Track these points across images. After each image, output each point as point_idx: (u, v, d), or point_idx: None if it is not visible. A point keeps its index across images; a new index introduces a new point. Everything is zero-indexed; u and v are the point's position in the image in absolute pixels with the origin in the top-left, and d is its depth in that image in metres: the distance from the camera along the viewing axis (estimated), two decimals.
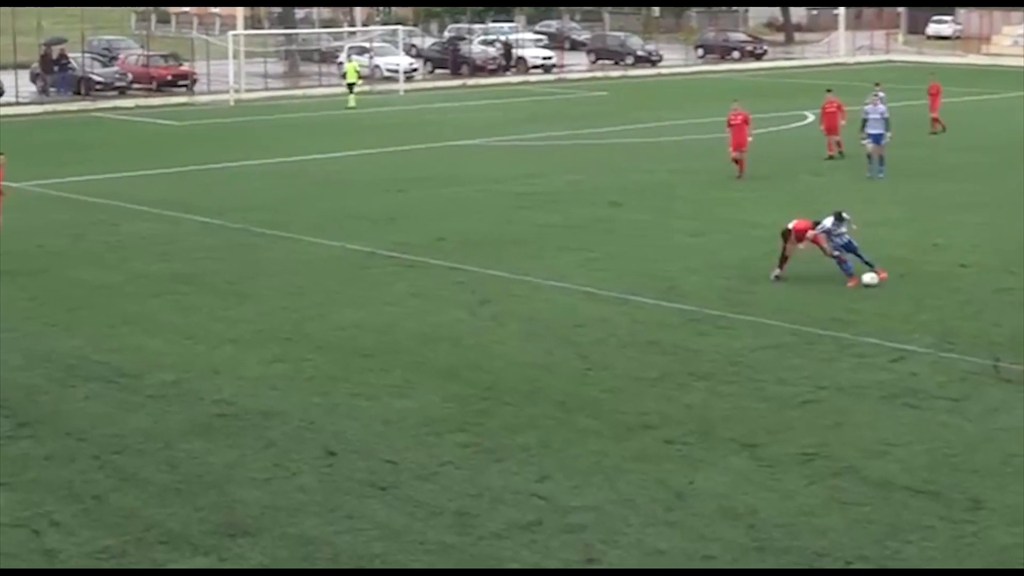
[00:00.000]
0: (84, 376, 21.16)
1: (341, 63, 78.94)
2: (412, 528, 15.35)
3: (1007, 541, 14.94)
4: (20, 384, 20.80)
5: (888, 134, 39.47)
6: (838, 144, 42.92)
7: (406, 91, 72.22)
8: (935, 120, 48.98)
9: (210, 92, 69.75)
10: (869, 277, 26.31)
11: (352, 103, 62.97)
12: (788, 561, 14.46)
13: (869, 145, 39.48)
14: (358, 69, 65.78)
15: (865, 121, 39.69)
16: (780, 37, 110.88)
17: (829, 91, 44.00)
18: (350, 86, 64.18)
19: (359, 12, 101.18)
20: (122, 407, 19.65)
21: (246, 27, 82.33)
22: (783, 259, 26.80)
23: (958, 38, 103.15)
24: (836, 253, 26.54)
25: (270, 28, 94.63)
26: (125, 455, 17.70)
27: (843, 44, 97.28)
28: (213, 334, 23.51)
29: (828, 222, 26.62)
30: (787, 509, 15.80)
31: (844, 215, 26.74)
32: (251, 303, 25.76)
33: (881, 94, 42.29)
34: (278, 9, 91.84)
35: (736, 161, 39.64)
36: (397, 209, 35.89)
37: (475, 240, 31.50)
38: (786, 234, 26.79)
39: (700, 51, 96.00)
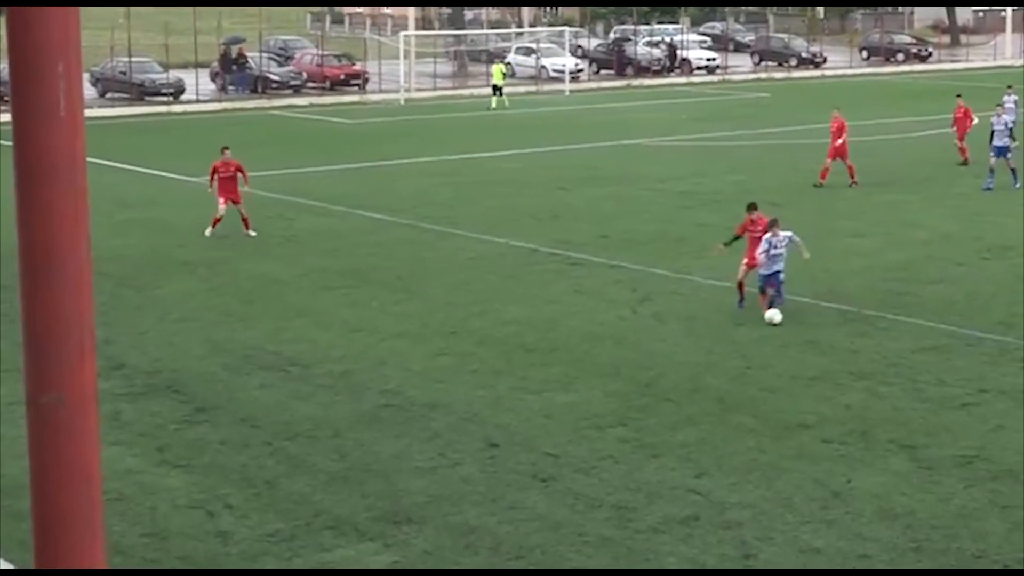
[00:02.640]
0: (258, 365, 21.79)
1: (509, 63, 79.68)
2: (571, 520, 15.53)
3: None
4: (198, 372, 21.53)
5: (1015, 143, 38.41)
6: (962, 151, 42.05)
7: (571, 91, 72.53)
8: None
9: (381, 91, 70.79)
10: (771, 314, 23.75)
11: (495, 104, 63.13)
12: (945, 563, 14.42)
13: (992, 159, 38.32)
14: (504, 71, 65.95)
15: (992, 133, 38.73)
16: (946, 39, 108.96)
17: (959, 96, 43.18)
18: (495, 88, 64.42)
19: (526, 13, 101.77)
20: (294, 396, 20.21)
21: (417, 28, 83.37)
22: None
23: None
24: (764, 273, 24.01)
25: (440, 29, 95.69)
26: (296, 442, 18.20)
27: (1010, 47, 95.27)
28: (381, 327, 24.01)
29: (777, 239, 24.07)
30: (945, 511, 15.73)
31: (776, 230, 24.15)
32: (418, 298, 26.25)
33: (1009, 102, 41.68)
34: (448, 10, 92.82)
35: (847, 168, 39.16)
36: (561, 207, 36.20)
37: (637, 238, 31.68)
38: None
39: (864, 53, 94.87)
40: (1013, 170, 38.31)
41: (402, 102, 67.26)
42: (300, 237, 32.39)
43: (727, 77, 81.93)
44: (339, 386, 20.69)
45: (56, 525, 4.50)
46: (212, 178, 32.24)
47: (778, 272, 23.95)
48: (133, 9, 71.36)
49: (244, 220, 31.73)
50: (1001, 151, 38.31)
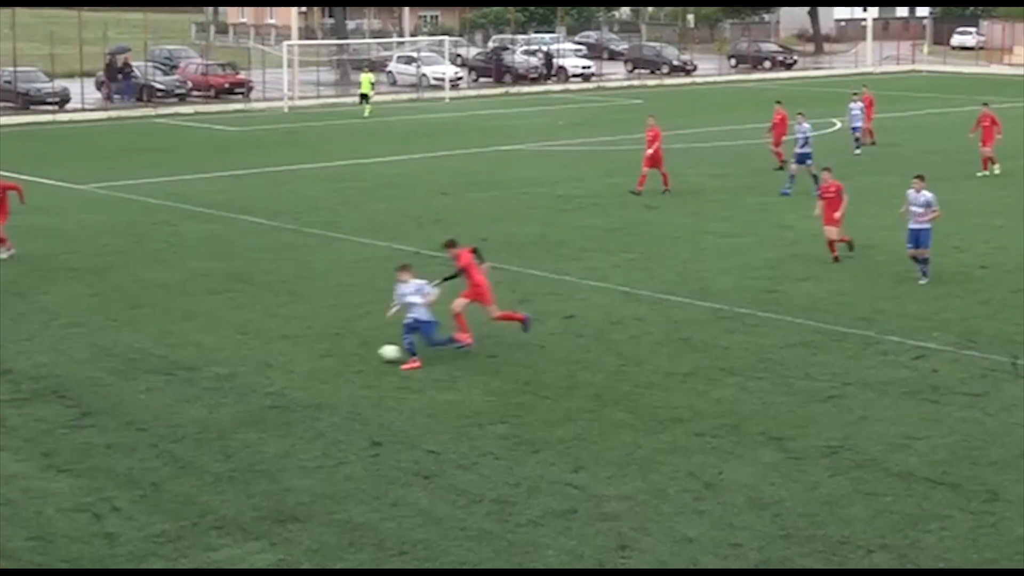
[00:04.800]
0: (144, 369, 21.88)
1: (390, 72, 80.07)
2: (453, 515, 15.80)
3: (1023, 531, 15.25)
4: (85, 376, 21.56)
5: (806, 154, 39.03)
6: (778, 155, 42.64)
7: (452, 98, 73.10)
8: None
9: (265, 99, 70.95)
10: (391, 350, 22.04)
11: (368, 113, 63.36)
12: (812, 549, 14.82)
13: (794, 166, 39.00)
14: (372, 81, 66.21)
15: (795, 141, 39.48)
16: (810, 48, 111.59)
17: (779, 102, 43.98)
18: (363, 97, 64.51)
19: (407, 23, 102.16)
20: (180, 399, 20.33)
21: (300, 37, 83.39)
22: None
23: (981, 49, 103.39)
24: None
25: (323, 38, 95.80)
26: (182, 444, 18.33)
27: (870, 55, 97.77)
28: (266, 330, 24.20)
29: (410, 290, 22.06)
30: (812, 499, 16.19)
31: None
32: (303, 301, 26.45)
33: (855, 109, 43.01)
34: (331, 20, 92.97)
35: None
36: (443, 211, 36.59)
37: (517, 241, 32.14)
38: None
39: (733, 61, 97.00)
40: (814, 176, 38.64)
41: (286, 110, 67.31)
42: (186, 242, 32.42)
43: (602, 84, 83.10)
44: (225, 388, 20.84)
45: None
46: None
47: (416, 319, 21.90)
48: (18, 19, 70.64)
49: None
50: (801, 158, 38.85)
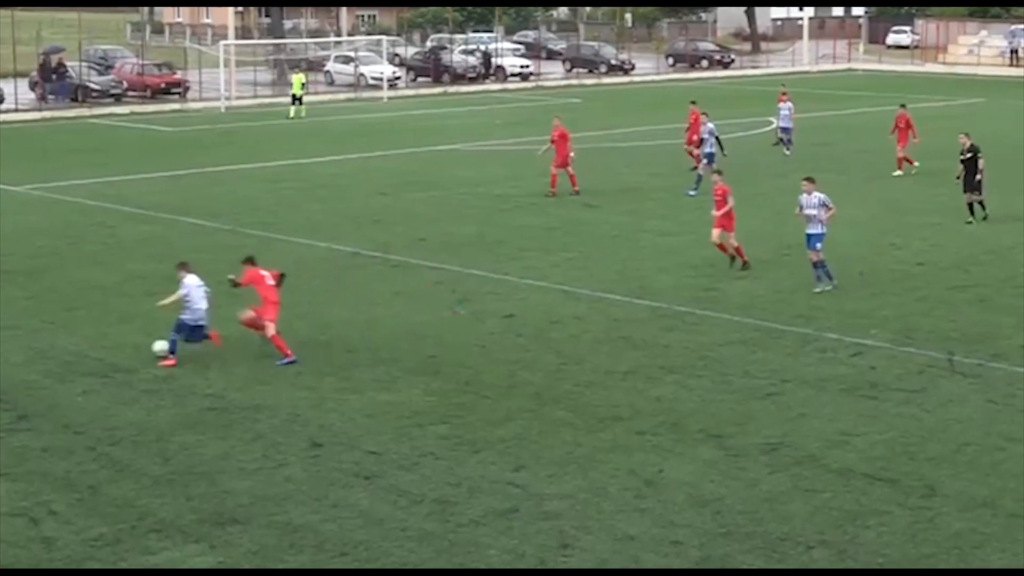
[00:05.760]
0: (81, 372, 21.74)
1: (328, 71, 79.80)
2: (394, 516, 15.79)
3: (960, 527, 15.44)
4: (19, 379, 21.39)
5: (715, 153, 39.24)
6: (693, 156, 42.42)
7: (390, 98, 73.01)
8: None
9: (202, 99, 70.62)
10: (160, 346, 22.32)
11: (292, 114, 62.95)
12: (752, 545, 14.93)
13: (703, 165, 39.02)
14: (303, 81, 65.95)
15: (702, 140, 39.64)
16: (747, 47, 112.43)
17: (693, 103, 43.89)
18: (295, 98, 64.18)
19: (344, 22, 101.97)
20: (117, 401, 20.22)
21: (237, 37, 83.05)
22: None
23: (916, 47, 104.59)
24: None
25: (260, 38, 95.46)
26: (120, 447, 18.23)
27: (807, 53, 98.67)
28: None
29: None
30: (752, 496, 16.30)
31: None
32: (242, 302, 26.31)
33: (784, 109, 43.35)
34: (268, 19, 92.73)
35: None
36: (381, 211, 36.54)
37: (456, 241, 32.16)
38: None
39: (671, 60, 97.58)
40: (699, 176, 38.77)
41: (223, 110, 66.98)
42: (123, 244, 32.21)
43: (540, 83, 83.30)
44: (163, 390, 20.74)
45: None
46: None
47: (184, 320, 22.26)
48: None
49: None
50: (710, 158, 39.01)
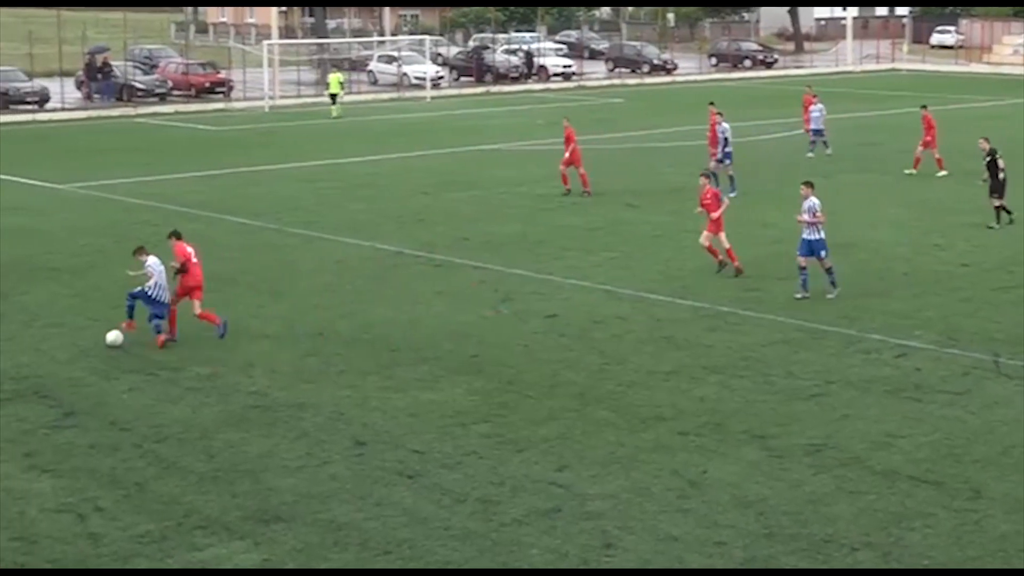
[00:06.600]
0: (127, 369, 21.88)
1: (371, 71, 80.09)
2: (437, 515, 15.81)
3: (1006, 529, 15.34)
4: (66, 377, 21.54)
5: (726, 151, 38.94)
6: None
7: (432, 98, 73.16)
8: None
9: (246, 99, 71.00)
10: (112, 336, 23.16)
11: (335, 113, 63.28)
12: (796, 547, 14.86)
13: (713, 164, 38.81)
14: (341, 81, 66.18)
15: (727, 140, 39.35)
16: (790, 47, 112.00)
17: (712, 104, 43.19)
18: (333, 97, 64.42)
19: (388, 22, 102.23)
20: (162, 399, 20.34)
21: (280, 37, 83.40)
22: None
23: (960, 47, 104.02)
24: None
25: (303, 38, 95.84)
26: (165, 444, 18.33)
27: (850, 53, 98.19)
28: (249, 330, 24.19)
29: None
30: (795, 497, 16.23)
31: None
32: (285, 301, 26.46)
33: (816, 111, 43.01)
34: (311, 19, 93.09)
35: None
36: (424, 211, 36.62)
37: (498, 240, 32.19)
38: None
39: (713, 60, 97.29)
40: (731, 177, 38.76)
41: (266, 109, 67.30)
42: (167, 242, 32.27)
43: (582, 83, 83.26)
44: (207, 388, 20.84)
45: None
46: None
47: (146, 293, 23.15)
48: None
49: None
50: (727, 157, 38.79)
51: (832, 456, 17.66)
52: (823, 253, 26.07)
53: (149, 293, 23.15)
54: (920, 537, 15.16)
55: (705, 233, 28.23)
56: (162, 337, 23.12)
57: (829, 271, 26.23)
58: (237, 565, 14.70)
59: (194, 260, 23.68)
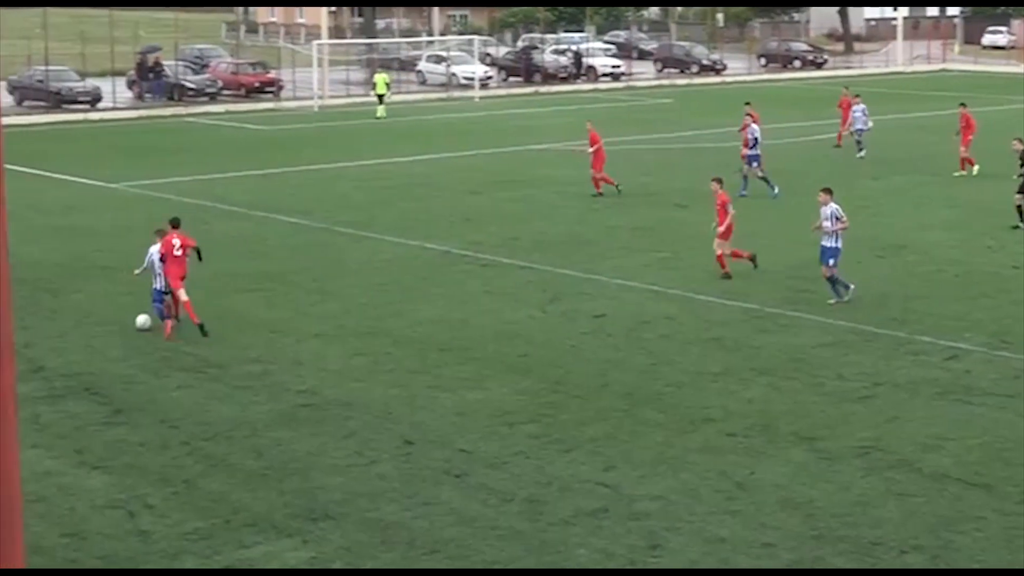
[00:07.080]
0: (177, 367, 22.02)
1: (420, 71, 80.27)
2: (484, 514, 15.83)
3: None
4: (117, 374, 21.71)
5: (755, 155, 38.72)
6: (968, 161, 41.82)
7: (481, 98, 73.25)
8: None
9: (296, 98, 71.34)
10: (142, 319, 24.13)
11: (380, 114, 63.34)
12: (844, 549, 14.81)
13: (745, 168, 38.73)
14: (388, 81, 66.25)
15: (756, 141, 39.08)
16: (840, 47, 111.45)
17: (748, 104, 42.92)
18: (380, 97, 64.55)
19: (436, 22, 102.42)
20: (212, 396, 20.45)
21: (329, 37, 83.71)
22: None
23: (1012, 48, 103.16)
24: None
25: (352, 38, 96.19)
26: (214, 442, 18.43)
27: (900, 54, 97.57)
28: (298, 328, 24.31)
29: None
30: (844, 500, 16.15)
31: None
32: (334, 299, 26.55)
33: (858, 111, 42.57)
34: (360, 19, 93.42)
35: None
36: (472, 210, 36.67)
37: (546, 240, 32.19)
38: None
39: (763, 60, 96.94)
40: (763, 178, 38.46)
41: (316, 109, 67.56)
42: (218, 241, 32.40)
43: (631, 83, 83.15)
44: (257, 386, 20.93)
45: None
46: None
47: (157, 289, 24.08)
48: (49, 19, 71.26)
49: None
50: (750, 160, 38.58)
51: (881, 458, 17.56)
52: (831, 262, 25.64)
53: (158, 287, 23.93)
54: (970, 540, 15.06)
55: (717, 240, 28.09)
56: (169, 323, 23.76)
57: (831, 280, 25.72)
58: (285, 563, 14.76)
59: (176, 253, 24.01)
